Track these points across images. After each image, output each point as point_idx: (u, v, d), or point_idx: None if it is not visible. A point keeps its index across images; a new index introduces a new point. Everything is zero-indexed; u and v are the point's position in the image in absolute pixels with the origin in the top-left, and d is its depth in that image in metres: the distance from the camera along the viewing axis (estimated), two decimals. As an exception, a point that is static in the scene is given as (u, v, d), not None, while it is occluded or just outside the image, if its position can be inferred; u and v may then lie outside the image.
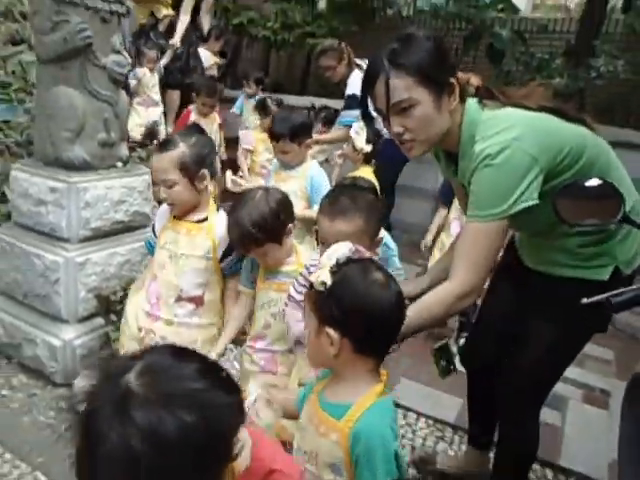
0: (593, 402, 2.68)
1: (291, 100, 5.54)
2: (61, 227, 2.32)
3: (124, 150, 2.57)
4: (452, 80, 1.34)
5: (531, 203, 1.30)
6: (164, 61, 5.02)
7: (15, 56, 3.52)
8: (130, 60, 2.49)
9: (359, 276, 1.09)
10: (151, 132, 4.41)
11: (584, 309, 1.30)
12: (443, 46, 1.41)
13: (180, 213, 1.88)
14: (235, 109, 5.07)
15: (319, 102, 5.44)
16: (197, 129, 2.05)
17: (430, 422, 2.40)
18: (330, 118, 4.31)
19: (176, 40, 5.08)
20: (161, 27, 5.02)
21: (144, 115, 4.61)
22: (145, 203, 2.64)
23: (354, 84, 3.78)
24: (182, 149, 1.78)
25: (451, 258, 1.70)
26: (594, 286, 1.39)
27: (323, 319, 1.08)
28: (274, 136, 2.48)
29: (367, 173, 2.82)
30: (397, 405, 2.44)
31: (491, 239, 1.35)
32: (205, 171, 1.82)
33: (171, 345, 0.84)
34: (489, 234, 1.35)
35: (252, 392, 1.66)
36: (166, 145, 1.81)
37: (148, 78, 4.70)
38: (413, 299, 1.68)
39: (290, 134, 2.41)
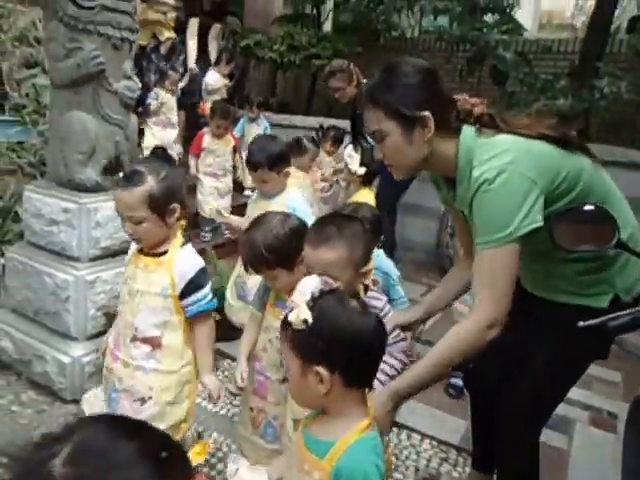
0: (600, 425, 2.65)
1: (297, 120, 5.63)
2: (72, 246, 2.38)
3: (134, 172, 2.64)
4: (424, 114, 1.35)
5: (536, 225, 1.30)
6: (182, 84, 5.04)
7: (29, 79, 3.61)
8: (140, 85, 2.55)
9: (338, 307, 1.07)
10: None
11: (583, 334, 1.34)
12: (424, 79, 1.39)
13: (147, 248, 1.72)
14: (236, 132, 5.05)
15: (326, 122, 5.53)
16: (165, 156, 1.83)
17: (434, 443, 2.41)
18: (339, 137, 4.38)
19: (192, 63, 5.16)
20: (163, 49, 5.03)
21: (160, 135, 4.65)
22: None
23: None
24: (151, 184, 1.60)
25: (445, 287, 1.73)
26: (593, 313, 1.39)
27: (308, 358, 1.04)
28: (252, 165, 2.40)
29: (367, 196, 2.85)
30: (401, 426, 2.48)
31: (507, 262, 1.33)
32: (176, 205, 1.66)
33: (109, 417, 0.76)
34: (504, 257, 1.33)
35: (234, 461, 1.74)
36: (133, 179, 1.61)
37: (168, 100, 4.74)
38: (407, 328, 1.71)
39: (268, 163, 2.34)
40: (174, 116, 4.80)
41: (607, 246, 1.30)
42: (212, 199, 4.14)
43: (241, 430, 1.86)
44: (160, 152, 1.81)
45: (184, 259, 1.69)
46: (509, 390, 1.67)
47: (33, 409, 2.32)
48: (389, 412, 1.34)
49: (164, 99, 4.66)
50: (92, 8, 2.20)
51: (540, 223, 1.31)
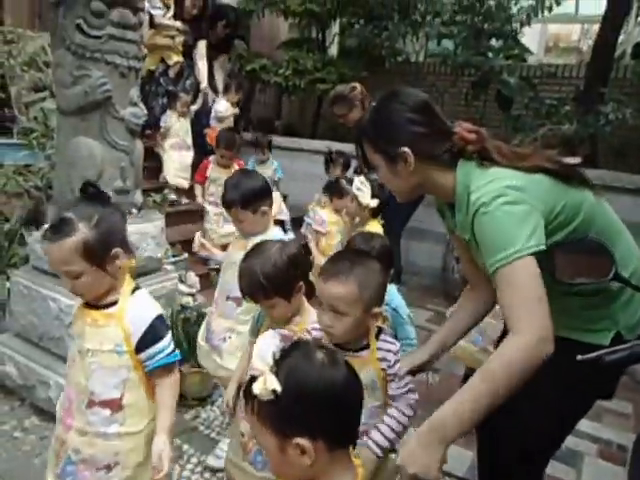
0: (609, 458, 2.59)
1: (302, 143, 5.67)
2: (76, 271, 2.38)
3: (138, 197, 2.66)
4: (403, 150, 1.39)
5: (543, 248, 1.25)
6: (195, 107, 5.04)
7: (37, 103, 3.66)
8: (145, 111, 2.57)
9: (305, 364, 0.94)
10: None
11: (583, 370, 1.30)
12: (410, 116, 1.40)
13: (93, 300, 1.50)
14: None
15: (331, 146, 5.56)
16: (97, 193, 1.51)
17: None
18: (347, 163, 4.36)
19: (204, 84, 5.17)
20: (171, 73, 4.98)
21: (177, 159, 4.63)
22: (158, 248, 2.71)
23: None
24: (83, 232, 1.39)
25: (454, 323, 1.69)
26: (594, 350, 1.35)
27: (284, 431, 0.90)
28: (224, 204, 2.22)
29: (376, 227, 2.78)
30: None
31: (529, 272, 1.23)
32: (118, 250, 1.45)
33: None
34: (522, 269, 1.23)
35: None
36: (61, 230, 1.39)
37: (181, 122, 4.71)
38: (416, 372, 1.62)
39: (241, 201, 2.12)
40: (189, 138, 4.77)
41: (604, 279, 1.28)
42: (217, 226, 4.10)
43: (231, 456, 1.80)
44: (91, 189, 1.49)
45: (137, 308, 1.49)
46: (509, 426, 1.58)
47: (36, 435, 2.31)
48: (441, 459, 1.20)
49: (176, 121, 4.65)
50: (100, 37, 2.23)
51: (544, 247, 1.26)
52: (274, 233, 2.19)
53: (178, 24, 4.82)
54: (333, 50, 6.77)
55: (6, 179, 3.17)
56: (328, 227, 3.88)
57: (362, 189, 2.73)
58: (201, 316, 2.93)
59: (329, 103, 4.28)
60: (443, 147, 1.41)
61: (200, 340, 2.32)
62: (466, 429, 1.19)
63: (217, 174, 4.10)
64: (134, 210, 2.62)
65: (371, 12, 5.71)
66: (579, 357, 1.31)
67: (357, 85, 4.33)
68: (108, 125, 2.39)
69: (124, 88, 2.40)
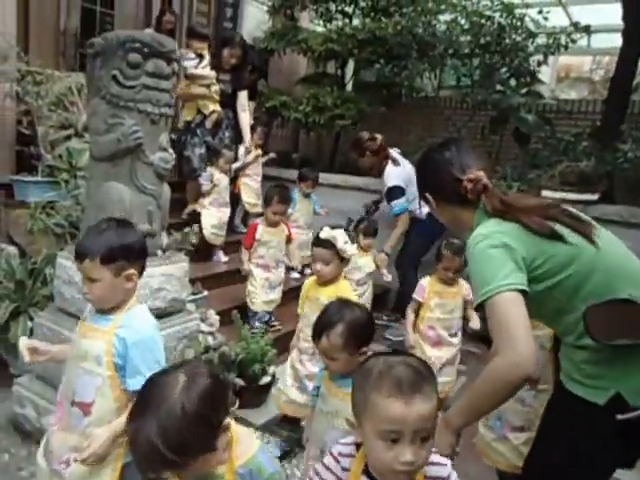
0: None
1: (320, 177, 5.71)
2: (101, 315, 2.38)
3: (164, 239, 2.69)
4: (425, 194, 1.75)
5: (520, 287, 1.39)
6: (238, 164, 4.92)
7: (63, 142, 3.72)
8: (174, 156, 2.61)
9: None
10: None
11: (594, 432, 1.34)
12: (426, 169, 1.78)
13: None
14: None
15: (347, 180, 5.60)
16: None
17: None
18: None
19: (248, 140, 4.99)
20: (208, 124, 4.76)
21: (215, 215, 4.51)
22: (182, 289, 2.72)
23: (390, 177, 4.44)
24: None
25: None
26: (591, 409, 1.39)
27: None
28: (76, 255, 1.70)
29: (346, 289, 2.64)
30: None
31: (507, 307, 1.38)
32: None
33: None
34: (501, 305, 1.39)
35: None
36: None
37: (223, 179, 4.60)
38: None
39: (101, 256, 1.60)
40: (227, 195, 4.67)
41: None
42: (262, 292, 3.85)
43: None
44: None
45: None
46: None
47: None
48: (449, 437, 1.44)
49: (218, 179, 4.53)
50: (134, 87, 2.28)
51: (523, 287, 1.39)
52: (136, 310, 1.72)
53: (212, 74, 4.66)
54: (351, 86, 6.86)
55: (32, 219, 3.22)
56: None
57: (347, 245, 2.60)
58: (223, 355, 2.94)
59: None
60: (456, 193, 1.61)
61: (39, 457, 1.79)
62: (467, 424, 1.46)
63: (268, 236, 3.82)
64: (159, 252, 2.64)
65: (390, 51, 5.78)
66: (619, 417, 1.31)
67: (378, 137, 4.57)
68: (138, 170, 2.44)
69: (154, 134, 2.45)
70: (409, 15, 5.68)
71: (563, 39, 5.67)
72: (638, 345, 1.37)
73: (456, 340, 3.20)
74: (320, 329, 1.79)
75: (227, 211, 4.67)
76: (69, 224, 3.23)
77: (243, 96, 5.02)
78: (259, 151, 5.21)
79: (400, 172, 4.45)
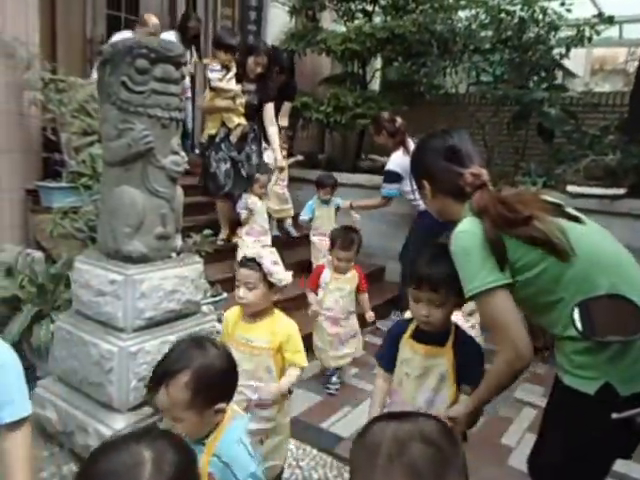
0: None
1: (344, 178, 5.70)
2: (117, 317, 2.43)
3: (178, 241, 2.72)
4: (422, 180, 1.80)
5: (504, 282, 1.50)
6: (273, 183, 4.73)
7: (86, 147, 3.80)
8: (186, 158, 2.64)
9: None
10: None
11: (590, 423, 1.39)
12: (426, 158, 1.80)
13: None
14: (304, 215, 4.72)
15: (371, 179, 5.58)
16: None
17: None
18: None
19: (280, 158, 4.78)
20: (233, 138, 4.54)
21: (252, 245, 4.00)
22: (196, 291, 2.74)
23: (393, 162, 4.55)
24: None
25: None
26: (582, 399, 1.44)
27: None
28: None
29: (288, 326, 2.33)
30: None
31: (495, 305, 1.51)
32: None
33: None
34: (489, 303, 1.52)
35: None
36: None
37: (260, 206, 4.36)
38: None
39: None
40: (266, 223, 4.45)
41: (634, 336, 1.30)
42: (330, 347, 3.49)
43: None
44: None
45: None
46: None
47: (73, 482, 2.34)
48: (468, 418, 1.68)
49: (254, 206, 4.31)
50: (143, 92, 2.31)
51: (508, 281, 1.50)
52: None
53: (236, 88, 4.45)
54: (374, 85, 6.84)
55: (53, 224, 3.30)
56: None
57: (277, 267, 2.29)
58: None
59: None
60: (453, 185, 1.68)
61: None
62: (482, 405, 1.67)
63: (335, 284, 3.47)
64: (173, 254, 2.67)
65: (409, 49, 5.73)
66: (614, 415, 1.32)
67: (398, 119, 4.56)
68: (150, 174, 2.46)
69: (165, 138, 2.47)
70: (427, 12, 5.62)
71: (587, 31, 5.53)
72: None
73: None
74: (158, 378, 1.44)
75: (266, 239, 4.33)
76: (89, 229, 3.30)
77: (270, 108, 4.77)
78: (284, 163, 5.02)
79: (405, 161, 4.40)
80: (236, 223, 4.56)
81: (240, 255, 3.94)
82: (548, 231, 1.48)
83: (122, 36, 4.85)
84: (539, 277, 1.50)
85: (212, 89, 4.46)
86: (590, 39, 5.61)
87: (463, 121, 6.32)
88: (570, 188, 4.73)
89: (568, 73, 6.17)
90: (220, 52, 4.46)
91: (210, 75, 4.43)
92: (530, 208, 1.54)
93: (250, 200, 4.29)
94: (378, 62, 6.98)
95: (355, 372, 3.80)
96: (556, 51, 5.79)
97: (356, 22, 6.24)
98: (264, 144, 4.88)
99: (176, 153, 2.55)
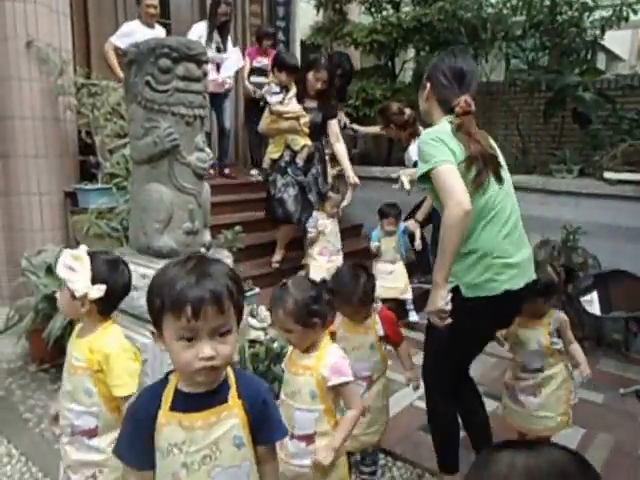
0: None
1: (377, 171, 5.69)
2: (149, 311, 2.50)
3: (207, 236, 2.77)
4: (426, 82, 2.19)
5: (452, 162, 1.92)
6: (345, 203, 4.39)
7: (120, 149, 3.92)
8: (212, 155, 2.69)
9: None
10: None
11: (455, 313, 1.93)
12: (443, 70, 2.13)
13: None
14: (373, 242, 4.31)
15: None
16: None
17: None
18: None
19: (352, 176, 4.30)
20: (300, 161, 4.25)
21: (325, 266, 4.05)
22: (226, 285, 2.79)
23: (415, 153, 4.33)
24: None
25: None
26: (455, 296, 1.97)
27: None
28: None
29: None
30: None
31: (445, 174, 1.91)
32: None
33: None
34: (441, 173, 1.91)
35: None
36: None
37: (332, 225, 4.20)
38: None
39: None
40: (338, 242, 4.27)
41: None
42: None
43: None
44: None
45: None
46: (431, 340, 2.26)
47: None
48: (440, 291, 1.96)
49: (323, 225, 4.15)
50: (167, 91, 2.37)
51: (453, 164, 1.92)
52: None
53: (297, 108, 4.19)
54: (406, 77, 6.78)
55: (90, 224, 3.42)
56: None
57: None
58: (270, 350, 2.99)
59: None
60: (448, 100, 2.06)
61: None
62: (446, 272, 1.94)
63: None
64: (202, 249, 2.73)
65: (437, 38, 5.66)
66: (621, 391, 1.39)
67: (407, 111, 4.51)
68: (176, 171, 2.53)
69: (190, 135, 2.54)
70: (454, -1, 5.54)
71: (625, 11, 5.34)
72: (486, 254, 1.97)
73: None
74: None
75: (338, 259, 4.19)
76: (123, 228, 3.40)
77: (335, 125, 4.46)
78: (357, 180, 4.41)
79: None
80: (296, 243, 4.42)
81: (313, 276, 3.68)
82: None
83: (128, 26, 5.02)
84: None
85: (272, 112, 4.22)
86: (627, 19, 5.42)
87: (496, 110, 6.21)
88: (607, 174, 4.57)
89: (612, 56, 5.93)
90: (282, 74, 4.23)
91: (270, 99, 4.21)
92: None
93: (320, 222, 4.15)
94: (410, 53, 6.91)
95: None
96: (593, 34, 5.61)
97: (383, 13, 6.20)
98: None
99: (201, 150, 2.62)
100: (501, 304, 2.00)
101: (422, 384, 2.33)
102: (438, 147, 1.94)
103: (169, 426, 1.24)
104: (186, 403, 1.25)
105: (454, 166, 1.91)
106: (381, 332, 2.37)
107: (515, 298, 2.03)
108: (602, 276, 1.31)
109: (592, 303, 1.33)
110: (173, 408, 1.25)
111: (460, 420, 2.31)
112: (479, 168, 1.96)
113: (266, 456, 1.36)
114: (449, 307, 1.92)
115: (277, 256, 4.50)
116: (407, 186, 4.05)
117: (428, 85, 2.12)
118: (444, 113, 2.09)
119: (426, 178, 1.97)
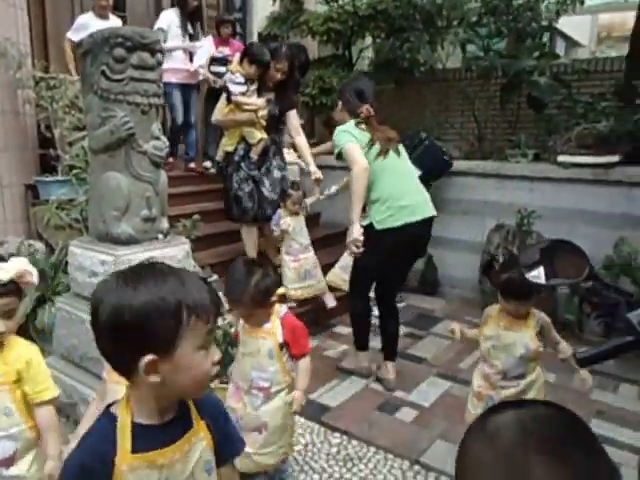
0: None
1: (333, 161, 5.76)
2: (110, 296, 2.57)
3: (164, 224, 2.82)
4: (338, 100, 3.42)
5: (351, 142, 3.00)
6: (311, 200, 4.28)
7: (79, 142, 3.93)
8: (168, 143, 2.75)
9: None
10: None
11: (370, 241, 2.98)
12: (348, 90, 3.35)
13: None
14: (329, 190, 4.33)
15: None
16: None
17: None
18: None
19: (314, 170, 4.12)
20: (253, 155, 4.06)
21: (293, 266, 4.02)
22: (185, 270, 2.87)
23: None
24: None
25: None
26: (365, 229, 2.99)
27: None
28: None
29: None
30: (429, 468, 2.50)
31: (351, 150, 2.98)
32: None
33: None
34: (348, 150, 2.99)
35: None
36: None
37: (296, 222, 4.06)
38: None
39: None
40: (305, 238, 4.12)
41: (579, 279, 1.36)
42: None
43: None
44: None
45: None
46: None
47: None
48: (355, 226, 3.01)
49: (286, 223, 4.00)
50: (122, 80, 2.42)
51: (353, 143, 3.00)
52: None
53: (259, 102, 4.00)
54: (362, 65, 6.83)
55: (50, 214, 3.44)
56: None
57: None
58: (227, 335, 3.07)
59: None
60: (353, 110, 3.16)
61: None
62: (358, 212, 2.99)
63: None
64: (160, 236, 2.79)
65: (393, 25, 5.72)
66: (578, 355, 1.42)
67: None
68: (133, 159, 2.59)
69: (146, 124, 2.59)
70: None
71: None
72: (387, 199, 3.01)
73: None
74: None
75: (309, 256, 4.10)
76: (83, 218, 3.44)
77: (294, 117, 4.28)
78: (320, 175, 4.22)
79: None
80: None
81: (284, 277, 3.94)
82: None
83: (82, 19, 4.96)
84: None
85: (230, 101, 4.01)
86: (582, 2, 5.52)
87: (452, 97, 6.29)
88: (561, 158, 4.63)
89: (572, 42, 5.99)
90: (252, 67, 3.97)
91: (232, 88, 3.97)
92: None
93: (282, 221, 4.02)
94: (367, 41, 6.95)
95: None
96: (548, 17, 5.69)
97: (339, 2, 6.23)
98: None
99: (157, 138, 2.67)
100: (402, 234, 2.97)
101: (299, 410, 2.22)
102: (344, 135, 3.03)
103: (134, 472, 1.02)
104: (154, 437, 1.05)
105: (356, 144, 2.97)
106: (281, 339, 2.17)
107: (414, 231, 3.01)
108: (548, 250, 1.39)
109: (539, 278, 1.40)
110: (136, 450, 1.03)
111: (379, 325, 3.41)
112: (381, 145, 3.04)
113: (230, 477, 1.25)
114: (361, 237, 2.92)
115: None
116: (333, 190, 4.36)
117: (340, 104, 3.27)
118: (352, 118, 3.15)
119: (340, 155, 3.05)
